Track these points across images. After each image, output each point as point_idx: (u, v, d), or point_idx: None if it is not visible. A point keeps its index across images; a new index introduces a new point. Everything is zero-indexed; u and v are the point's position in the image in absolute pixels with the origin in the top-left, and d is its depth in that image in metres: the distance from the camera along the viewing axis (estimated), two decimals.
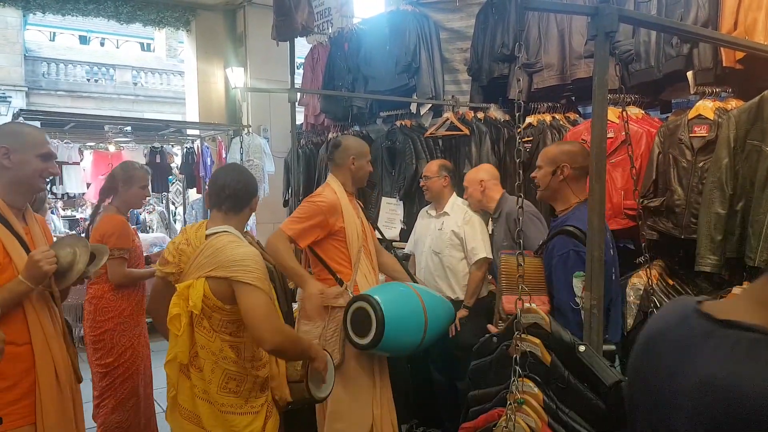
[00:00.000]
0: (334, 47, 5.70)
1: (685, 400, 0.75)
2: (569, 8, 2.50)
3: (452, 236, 3.60)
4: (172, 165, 8.65)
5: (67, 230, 9.70)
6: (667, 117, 3.41)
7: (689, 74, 3.19)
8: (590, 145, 1.85)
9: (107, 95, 18.30)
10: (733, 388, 0.69)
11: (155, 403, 3.72)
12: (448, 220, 3.69)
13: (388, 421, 2.97)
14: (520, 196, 1.70)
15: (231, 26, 8.65)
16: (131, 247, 3.43)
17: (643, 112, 3.53)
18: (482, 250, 3.52)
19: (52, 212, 10.12)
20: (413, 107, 4.93)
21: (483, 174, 3.59)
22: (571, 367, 1.54)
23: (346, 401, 2.92)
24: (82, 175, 7.86)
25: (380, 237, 3.45)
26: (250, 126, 7.30)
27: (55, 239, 2.35)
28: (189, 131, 8.45)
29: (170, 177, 8.84)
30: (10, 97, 15.71)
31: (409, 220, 4.46)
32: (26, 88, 16.69)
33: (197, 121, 8.41)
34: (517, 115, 1.65)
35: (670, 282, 3.21)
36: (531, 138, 3.87)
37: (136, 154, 7.95)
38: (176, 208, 9.50)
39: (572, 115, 4.01)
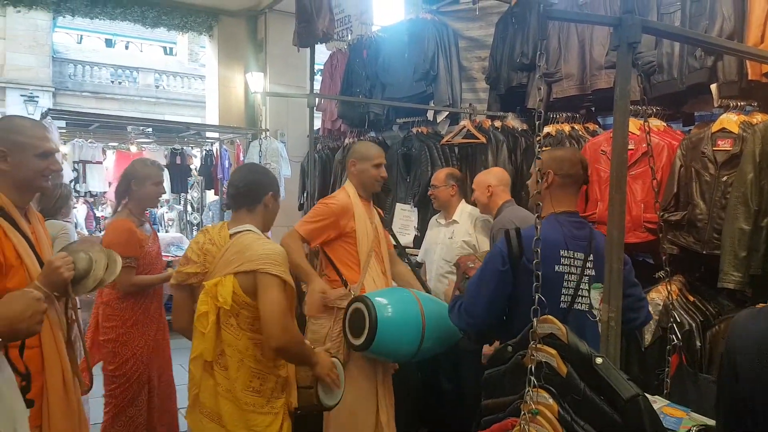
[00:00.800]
0: (353, 54, 5.73)
1: None
2: (592, 18, 2.48)
3: (463, 245, 3.59)
4: (192, 167, 8.72)
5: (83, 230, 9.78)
6: (690, 130, 3.36)
7: (713, 87, 3.14)
8: (611, 156, 1.82)
9: (130, 97, 18.57)
10: None
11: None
12: (459, 229, 3.68)
13: (391, 426, 2.97)
14: (539, 204, 1.68)
15: (252, 32, 8.72)
16: (138, 255, 3.30)
17: (665, 124, 3.49)
18: None
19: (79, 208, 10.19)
20: (430, 114, 4.93)
21: (492, 179, 3.52)
22: (587, 379, 1.51)
23: (349, 404, 2.91)
24: (104, 173, 7.97)
25: (395, 243, 3.44)
26: (268, 130, 7.34)
27: (76, 237, 2.35)
28: (208, 134, 8.53)
29: (189, 178, 8.92)
30: (38, 97, 15.97)
31: (424, 227, 4.44)
32: (53, 89, 16.96)
33: (217, 124, 8.47)
34: (536, 123, 1.63)
35: (691, 298, 3.15)
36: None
37: (156, 155, 8.04)
38: (194, 209, 9.57)
39: (592, 126, 3.98)
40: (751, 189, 2.68)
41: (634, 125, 3.31)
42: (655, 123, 3.44)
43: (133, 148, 8.03)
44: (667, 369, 2.25)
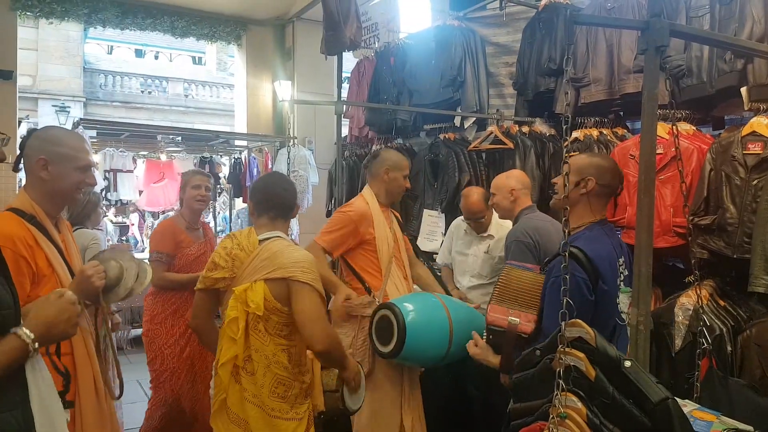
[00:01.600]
0: (380, 61, 5.77)
1: None
2: (619, 22, 2.48)
3: (500, 262, 3.52)
4: (220, 175, 8.85)
5: (117, 237, 9.97)
6: (720, 134, 3.33)
7: (743, 90, 3.11)
8: (639, 160, 1.83)
9: (159, 106, 18.85)
10: None
11: None
12: (495, 244, 3.61)
13: (419, 427, 2.97)
14: (566, 208, 1.70)
15: (280, 41, 8.83)
16: (172, 252, 3.53)
17: (695, 128, 3.46)
18: None
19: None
20: (457, 121, 4.94)
21: (514, 182, 3.37)
22: (616, 382, 1.51)
23: (374, 411, 2.93)
24: (135, 182, 8.12)
25: (415, 250, 3.46)
26: (296, 138, 7.42)
27: (107, 245, 2.42)
28: (237, 142, 8.64)
29: (218, 186, 9.04)
30: (69, 107, 16.33)
31: None
32: (84, 99, 17.32)
33: (245, 132, 8.59)
34: (564, 128, 1.65)
35: (721, 303, 3.12)
36: (577, 153, 3.83)
37: (186, 163, 8.16)
38: (219, 215, 9.72)
39: (620, 131, 3.96)
40: None
41: (663, 129, 3.29)
42: (685, 127, 3.42)
43: (163, 157, 8.17)
44: (697, 373, 2.24)
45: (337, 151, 3.98)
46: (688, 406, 1.77)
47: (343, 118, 6.85)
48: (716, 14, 3.27)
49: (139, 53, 22.65)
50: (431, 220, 4.71)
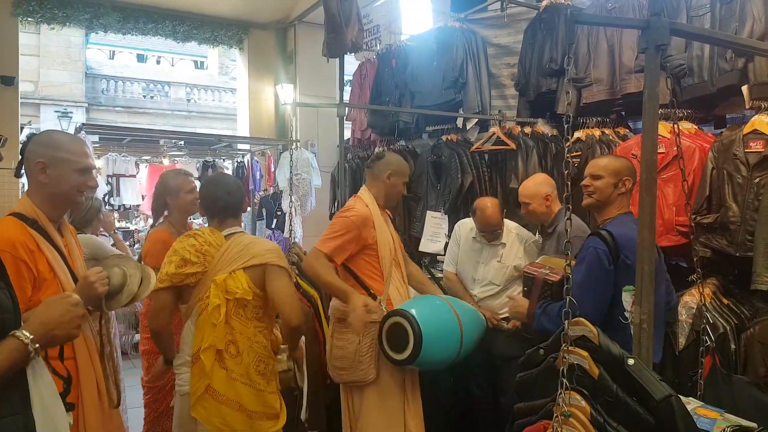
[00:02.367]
0: (382, 63, 5.77)
1: None
2: (620, 22, 2.50)
3: (513, 270, 3.49)
4: None
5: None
6: (722, 132, 3.33)
7: (744, 88, 3.12)
8: (640, 159, 1.83)
9: (162, 111, 18.89)
10: None
11: None
12: (507, 253, 3.54)
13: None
14: (568, 209, 1.70)
15: (281, 44, 8.86)
16: None
17: (696, 127, 3.46)
18: None
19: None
20: (459, 122, 4.94)
21: (547, 188, 3.36)
22: (619, 380, 1.52)
23: (380, 416, 2.92)
24: (138, 187, 8.15)
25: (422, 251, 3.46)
26: (299, 141, 7.43)
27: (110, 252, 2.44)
28: (239, 146, 8.67)
29: None
30: (72, 112, 16.39)
31: None
32: (86, 104, 17.38)
33: (248, 136, 8.61)
34: (565, 127, 1.66)
35: (725, 301, 3.12)
36: (579, 153, 3.84)
37: (189, 167, 8.18)
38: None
39: (622, 130, 3.96)
40: None
41: (664, 129, 3.29)
42: (687, 126, 3.42)
43: (166, 161, 8.20)
44: (700, 371, 2.24)
45: (340, 154, 3.99)
46: (691, 404, 1.77)
47: (345, 121, 6.91)
48: (717, 13, 3.28)
49: (140, 58, 22.67)
50: (434, 221, 4.70)
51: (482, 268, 3.61)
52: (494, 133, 4.42)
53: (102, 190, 6.81)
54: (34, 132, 2.30)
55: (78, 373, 2.03)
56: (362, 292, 2.94)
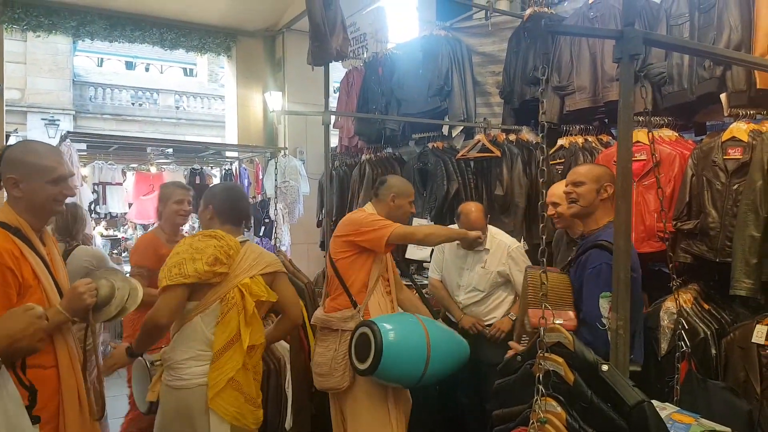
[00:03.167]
0: (369, 71, 5.80)
1: None
2: (595, 32, 2.53)
3: (497, 276, 3.53)
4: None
5: (108, 250, 9.94)
6: (702, 139, 3.37)
7: (723, 96, 3.16)
8: (616, 166, 1.86)
9: (150, 119, 18.76)
10: None
11: None
12: (491, 259, 3.57)
13: None
14: (544, 215, 1.72)
15: (270, 52, 8.86)
16: (152, 267, 3.37)
17: (677, 134, 3.50)
18: None
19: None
20: (445, 129, 4.97)
21: None
22: (594, 386, 1.54)
23: (364, 424, 2.94)
24: (124, 195, 8.11)
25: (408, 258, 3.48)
26: (287, 148, 7.44)
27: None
28: (228, 153, 8.65)
29: None
30: (59, 120, 16.28)
31: None
32: (74, 112, 17.23)
33: (236, 143, 8.60)
34: (540, 135, 1.68)
35: (706, 306, 3.15)
36: (563, 160, 3.87)
37: (176, 175, 8.17)
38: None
39: (605, 138, 4.00)
40: (760, 196, 2.69)
41: (645, 136, 3.33)
42: (667, 133, 3.46)
43: (153, 169, 8.17)
44: (676, 376, 2.27)
45: (325, 162, 4.00)
46: (667, 409, 1.79)
47: (332, 129, 6.93)
48: (695, 22, 3.32)
49: (129, 65, 22.56)
50: None
51: (467, 274, 3.64)
52: (479, 141, 4.45)
53: (88, 198, 6.78)
54: (10, 144, 2.28)
55: (60, 383, 2.03)
56: (344, 296, 3.05)
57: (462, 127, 4.89)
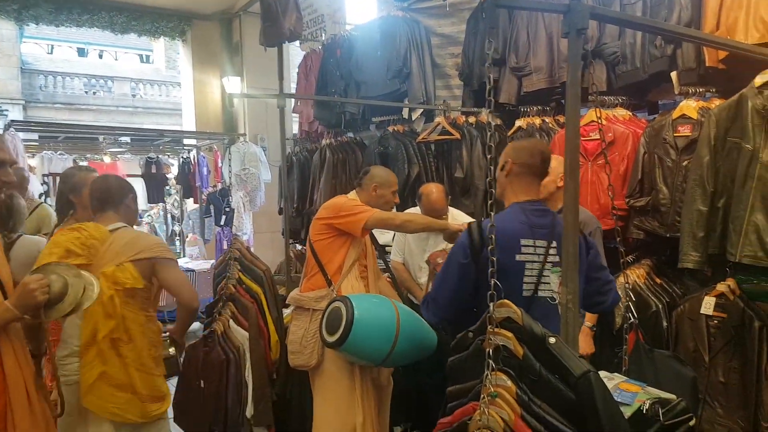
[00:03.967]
0: (327, 54, 5.74)
1: None
2: (541, 6, 2.52)
3: None
4: (169, 176, 8.67)
5: None
6: (654, 118, 3.43)
7: (673, 74, 3.22)
8: (564, 142, 1.87)
9: (105, 107, 18.18)
10: None
11: None
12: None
13: (371, 427, 2.97)
14: (492, 191, 1.73)
15: (227, 35, 8.68)
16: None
17: (630, 113, 3.56)
18: None
19: None
20: (405, 112, 4.95)
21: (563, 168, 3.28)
22: (542, 359, 1.55)
23: (327, 402, 2.96)
24: None
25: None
26: (245, 134, 7.33)
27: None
28: (186, 141, 8.48)
29: (168, 187, 8.86)
30: (7, 110, 15.62)
31: None
32: (23, 102, 16.60)
33: (193, 130, 8.43)
34: (488, 111, 1.68)
35: (658, 280, 3.24)
36: (515, 141, 3.89)
37: (131, 164, 8.00)
38: (174, 219, 9.53)
39: (562, 118, 4.03)
40: (707, 171, 2.75)
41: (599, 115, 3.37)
42: (621, 112, 3.51)
43: (107, 159, 7.98)
44: (624, 347, 2.31)
45: (282, 147, 3.94)
46: (615, 379, 1.82)
47: (293, 114, 6.84)
48: (648, 1, 3.38)
49: (81, 52, 21.83)
50: None
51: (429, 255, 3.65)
52: (439, 124, 4.44)
53: (37, 189, 6.57)
54: None
55: (5, 381, 1.96)
56: (319, 275, 3.06)
57: (422, 110, 4.88)
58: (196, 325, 4.78)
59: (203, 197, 7.87)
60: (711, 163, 2.74)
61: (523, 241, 2.15)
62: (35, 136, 7.94)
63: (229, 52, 8.63)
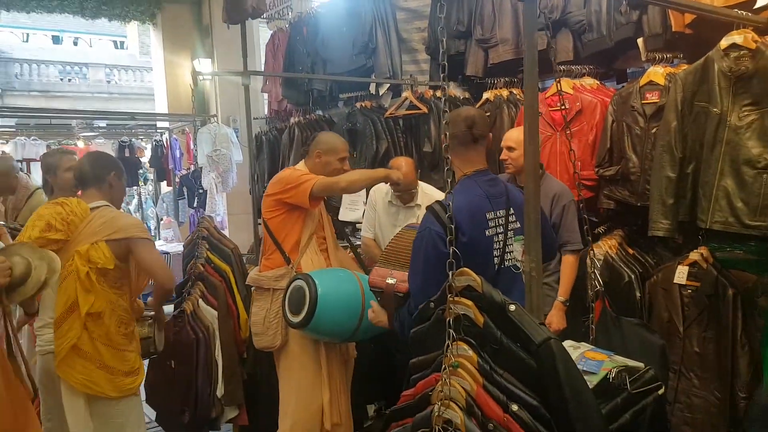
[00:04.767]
0: (294, 32, 5.66)
1: None
2: None
3: None
4: (142, 159, 8.55)
5: None
6: (623, 86, 3.40)
7: (640, 41, 3.19)
8: (523, 108, 1.83)
9: (81, 94, 17.95)
10: None
11: None
12: (423, 214, 3.54)
13: (337, 405, 2.94)
14: (447, 158, 1.68)
15: (197, 17, 8.55)
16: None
17: (599, 82, 3.52)
18: None
19: None
20: (372, 88, 4.89)
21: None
22: (503, 327, 1.51)
23: (291, 382, 2.92)
24: None
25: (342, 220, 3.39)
26: (216, 116, 7.22)
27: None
28: (160, 125, 8.36)
29: (141, 171, 8.74)
30: None
31: None
32: None
33: (165, 113, 8.30)
34: (441, 75, 1.63)
35: (630, 251, 3.21)
36: (488, 113, 3.84)
37: (104, 148, 7.89)
38: (146, 201, 9.42)
39: None
40: (674, 137, 2.72)
41: (567, 85, 3.33)
42: (588, 81, 3.48)
43: (80, 144, 7.86)
44: (591, 315, 2.29)
45: (248, 126, 3.87)
46: (581, 348, 1.80)
47: (261, 93, 6.74)
48: None
49: (56, 40, 21.56)
50: None
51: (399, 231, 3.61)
52: (407, 98, 4.39)
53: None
54: None
55: None
56: (277, 254, 2.99)
57: (389, 85, 4.82)
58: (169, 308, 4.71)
59: (176, 180, 7.76)
60: (678, 128, 2.71)
61: (488, 215, 2.12)
62: (12, 122, 7.79)
63: (199, 34, 8.50)
